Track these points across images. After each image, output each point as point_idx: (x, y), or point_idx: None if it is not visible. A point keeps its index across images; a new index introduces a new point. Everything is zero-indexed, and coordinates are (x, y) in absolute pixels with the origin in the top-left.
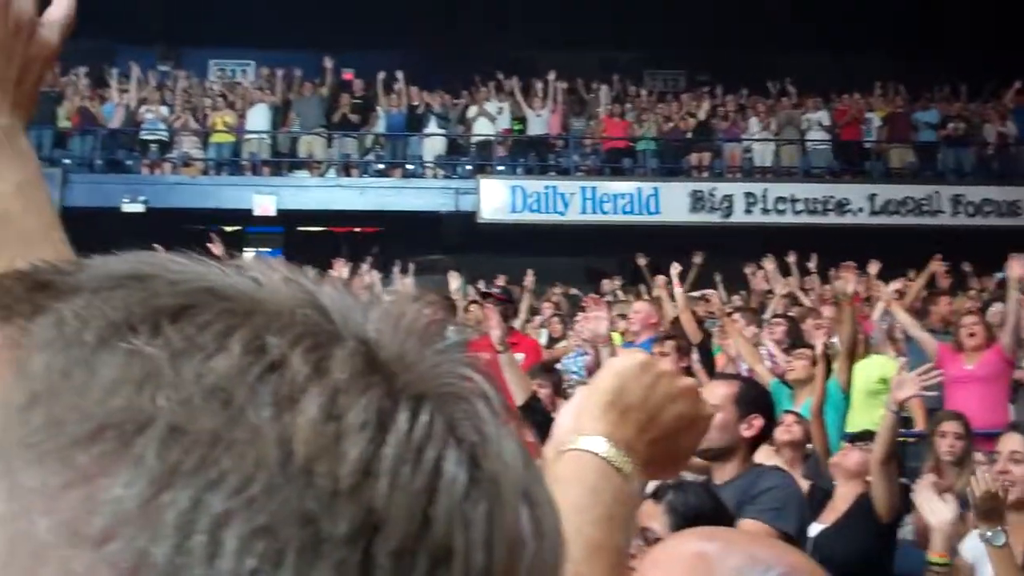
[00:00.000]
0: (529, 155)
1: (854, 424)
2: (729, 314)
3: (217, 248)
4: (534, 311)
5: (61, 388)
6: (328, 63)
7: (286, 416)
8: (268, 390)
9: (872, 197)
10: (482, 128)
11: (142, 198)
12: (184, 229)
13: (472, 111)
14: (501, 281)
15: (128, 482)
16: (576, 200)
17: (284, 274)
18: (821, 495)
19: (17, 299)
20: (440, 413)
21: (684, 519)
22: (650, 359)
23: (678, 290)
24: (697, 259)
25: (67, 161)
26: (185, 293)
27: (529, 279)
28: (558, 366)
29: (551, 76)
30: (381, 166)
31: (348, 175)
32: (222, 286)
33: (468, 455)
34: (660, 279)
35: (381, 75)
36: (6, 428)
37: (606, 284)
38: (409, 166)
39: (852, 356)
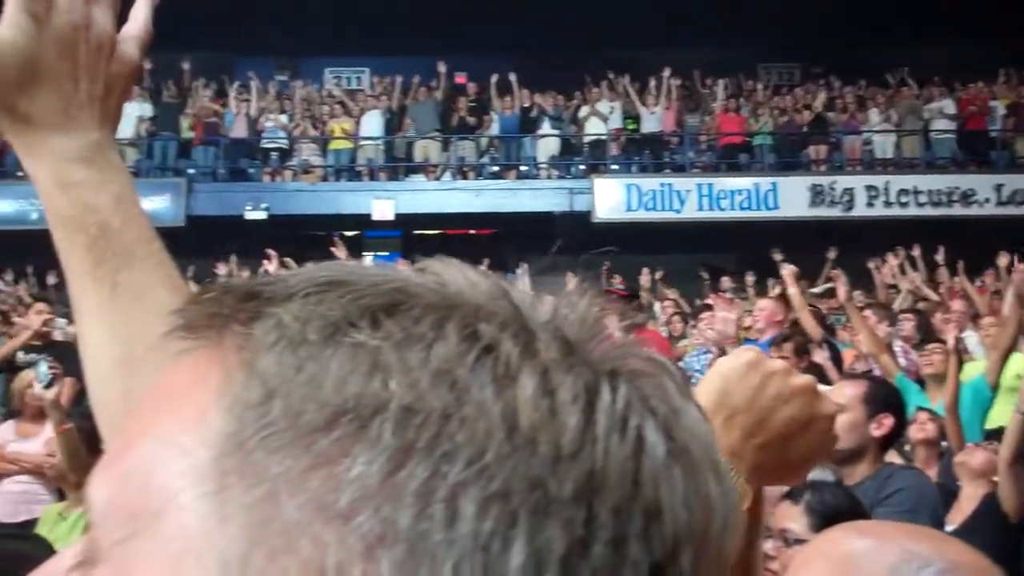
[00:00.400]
0: (643, 153)
1: (993, 420)
2: (861, 309)
3: (341, 252)
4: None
5: (295, 382)
6: (441, 68)
7: (507, 393)
8: (487, 371)
9: (998, 187)
10: (594, 128)
11: (264, 205)
12: (305, 235)
13: (584, 111)
14: (618, 280)
15: (369, 460)
16: (692, 197)
17: (463, 272)
18: (947, 495)
19: (231, 309)
20: (634, 388)
21: (824, 519)
22: (758, 357)
23: (792, 290)
24: (831, 254)
25: (191, 171)
26: (386, 293)
27: (646, 277)
28: (681, 364)
29: (666, 73)
30: (496, 168)
31: (464, 178)
32: (413, 286)
33: (663, 425)
34: (784, 272)
35: (494, 78)
36: (244, 423)
37: (725, 281)
38: (523, 167)
39: (1008, 353)
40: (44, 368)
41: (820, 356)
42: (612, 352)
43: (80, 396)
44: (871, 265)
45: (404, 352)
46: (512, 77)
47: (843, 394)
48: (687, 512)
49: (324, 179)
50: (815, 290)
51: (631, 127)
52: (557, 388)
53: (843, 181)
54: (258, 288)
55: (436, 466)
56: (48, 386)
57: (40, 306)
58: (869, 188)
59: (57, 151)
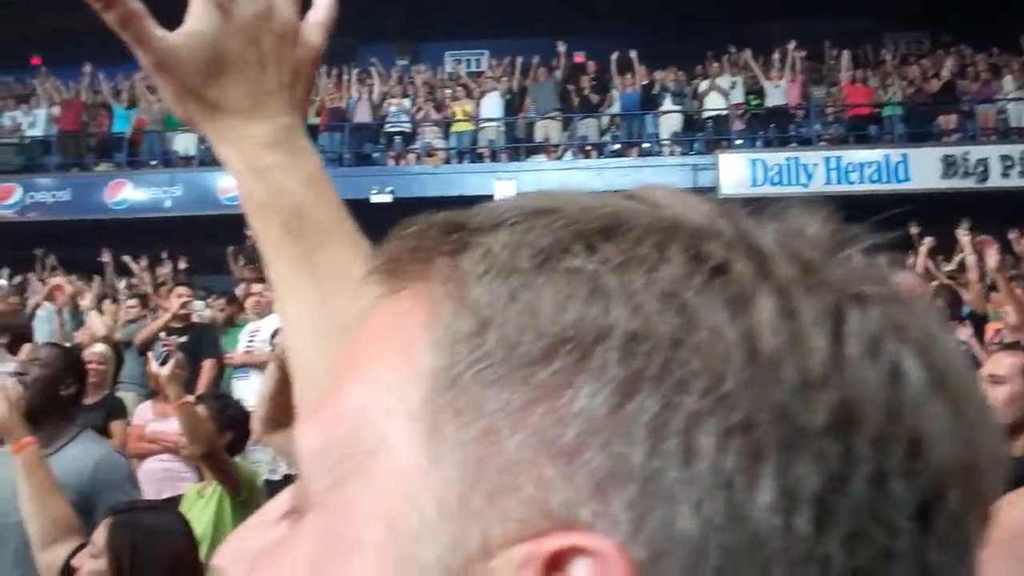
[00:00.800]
0: (768, 127)
1: None
2: (1010, 280)
3: None
4: None
5: (509, 312)
6: (560, 48)
7: (743, 316)
8: (718, 293)
9: None
10: (714, 103)
11: (389, 189)
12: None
13: (703, 86)
14: None
15: (593, 392)
16: (820, 171)
17: (679, 195)
18: None
19: (435, 242)
20: (884, 312)
21: None
22: None
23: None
24: (965, 226)
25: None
26: (600, 218)
27: None
28: None
29: (791, 45)
30: (617, 146)
31: (585, 157)
32: (627, 210)
33: (919, 352)
34: (926, 244)
35: (614, 56)
36: (455, 357)
37: None
38: (645, 145)
39: None
40: (159, 346)
41: (964, 332)
42: (856, 274)
43: (219, 377)
44: (1011, 236)
45: (625, 275)
46: (632, 54)
47: (1002, 364)
48: (952, 447)
49: (447, 161)
50: (950, 266)
51: (754, 102)
52: (799, 309)
53: (976, 151)
54: (463, 219)
55: (668, 396)
56: (163, 363)
57: (180, 289)
58: (1004, 158)
59: (248, 137)
